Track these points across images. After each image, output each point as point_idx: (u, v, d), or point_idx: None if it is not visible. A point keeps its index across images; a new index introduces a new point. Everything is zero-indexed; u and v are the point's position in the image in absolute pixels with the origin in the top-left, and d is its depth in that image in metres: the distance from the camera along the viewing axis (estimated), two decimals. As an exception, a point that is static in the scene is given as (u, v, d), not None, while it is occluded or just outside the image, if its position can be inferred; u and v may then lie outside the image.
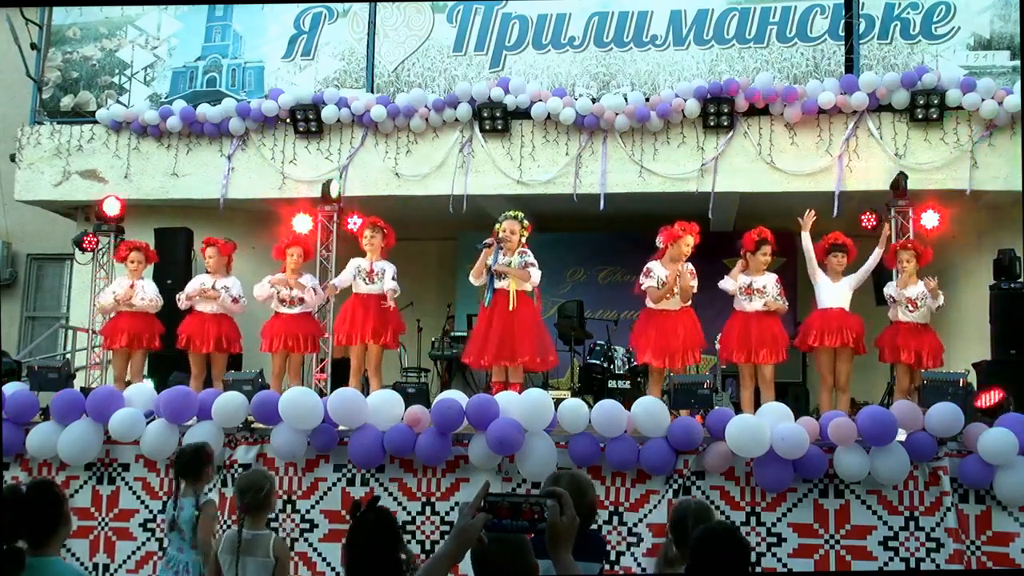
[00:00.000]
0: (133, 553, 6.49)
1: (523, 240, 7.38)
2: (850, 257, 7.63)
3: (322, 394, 7.08)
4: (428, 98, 9.54)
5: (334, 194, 9.09)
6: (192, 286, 8.13)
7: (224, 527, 5.96)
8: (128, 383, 7.74)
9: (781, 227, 10.52)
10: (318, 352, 8.55)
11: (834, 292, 7.52)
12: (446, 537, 2.22)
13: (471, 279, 7.42)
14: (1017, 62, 8.96)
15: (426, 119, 9.55)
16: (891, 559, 5.90)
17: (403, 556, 2.90)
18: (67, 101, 10.57)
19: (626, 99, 9.25)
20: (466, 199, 9.45)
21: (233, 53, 10.39)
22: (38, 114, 10.55)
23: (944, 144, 8.83)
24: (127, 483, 6.59)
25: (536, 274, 7.21)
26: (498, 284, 7.21)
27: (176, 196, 10.02)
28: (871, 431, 5.91)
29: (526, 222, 7.44)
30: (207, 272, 8.25)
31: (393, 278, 7.79)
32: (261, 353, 8.13)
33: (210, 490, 4.94)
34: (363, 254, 7.98)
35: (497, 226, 7.41)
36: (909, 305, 7.41)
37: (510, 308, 7.08)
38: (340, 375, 8.51)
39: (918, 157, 8.86)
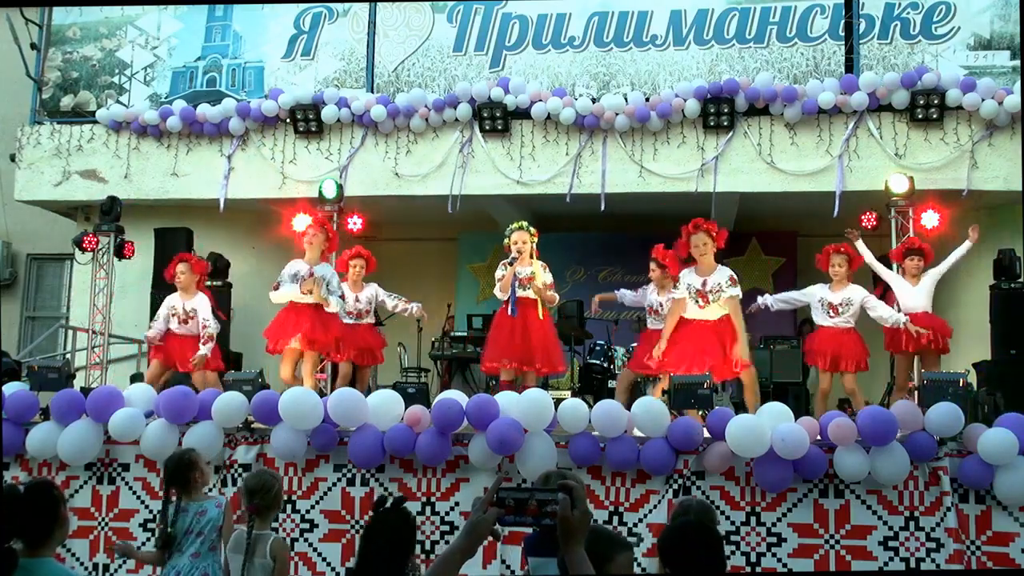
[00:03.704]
0: (133, 553, 6.48)
1: (535, 247, 7.48)
2: (926, 260, 7.63)
3: (322, 394, 7.08)
4: (428, 98, 9.54)
5: (327, 194, 9.06)
6: (159, 323, 7.85)
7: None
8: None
9: (781, 227, 10.60)
10: (381, 361, 8.51)
11: (914, 294, 7.52)
12: (457, 532, 2.22)
13: (498, 293, 7.45)
14: (1017, 62, 8.96)
15: (426, 119, 9.55)
16: (891, 559, 5.90)
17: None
18: (67, 101, 10.57)
19: (626, 99, 9.25)
20: (465, 199, 9.46)
21: (233, 53, 10.40)
22: (38, 114, 10.55)
23: (944, 144, 8.84)
24: (127, 483, 6.58)
25: (556, 296, 7.56)
26: (521, 293, 7.30)
27: (176, 196, 10.02)
28: (871, 431, 5.91)
29: (532, 229, 7.51)
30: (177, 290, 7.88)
31: (338, 292, 7.69)
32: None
33: (210, 490, 4.87)
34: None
35: (506, 241, 7.47)
36: (830, 310, 7.37)
37: (540, 317, 7.31)
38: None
39: (918, 157, 8.86)
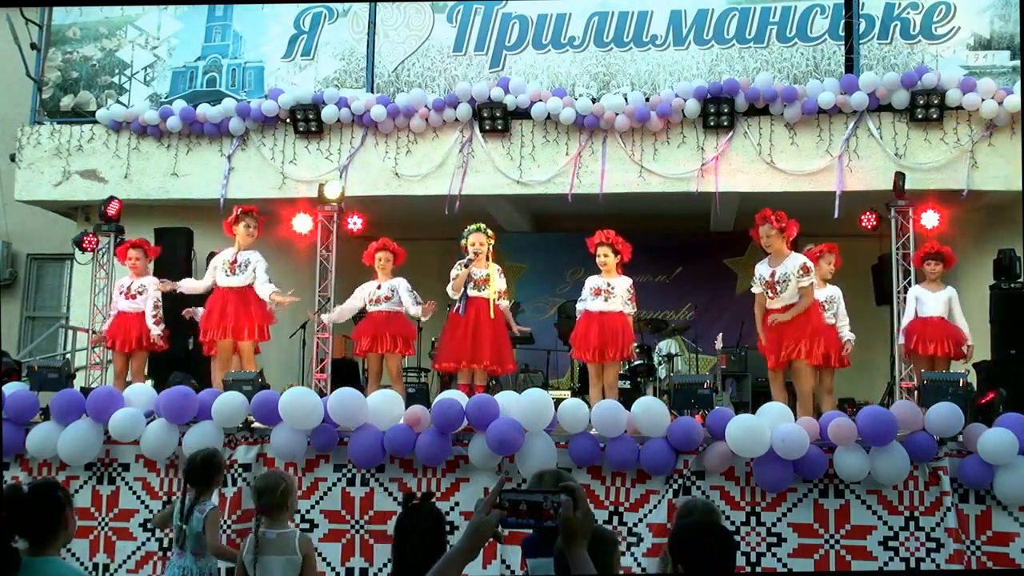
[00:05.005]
0: (133, 553, 6.48)
1: (491, 249, 7.69)
2: (947, 265, 7.60)
3: (322, 394, 7.08)
4: (428, 98, 9.55)
5: (329, 195, 9.04)
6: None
7: (225, 528, 5.96)
8: (128, 383, 7.71)
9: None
10: (412, 353, 8.30)
11: (932, 300, 7.55)
12: (459, 533, 2.23)
13: (450, 291, 7.63)
14: (1017, 62, 8.96)
15: (426, 119, 9.55)
16: (891, 559, 5.90)
17: None
18: (67, 101, 10.57)
19: (626, 99, 9.25)
20: (465, 199, 9.46)
21: (233, 53, 10.40)
22: (38, 114, 10.55)
23: (944, 144, 8.84)
24: (127, 483, 6.59)
25: (506, 303, 7.77)
26: (474, 293, 7.53)
27: (176, 196, 10.02)
28: (871, 431, 5.91)
29: (490, 232, 7.71)
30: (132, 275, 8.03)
31: (267, 277, 7.64)
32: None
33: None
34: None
35: (463, 241, 7.64)
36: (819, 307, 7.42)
37: (492, 317, 7.48)
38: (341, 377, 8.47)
39: (918, 157, 8.86)
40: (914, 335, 7.56)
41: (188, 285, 7.98)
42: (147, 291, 7.89)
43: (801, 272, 6.78)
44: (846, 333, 7.47)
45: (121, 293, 7.95)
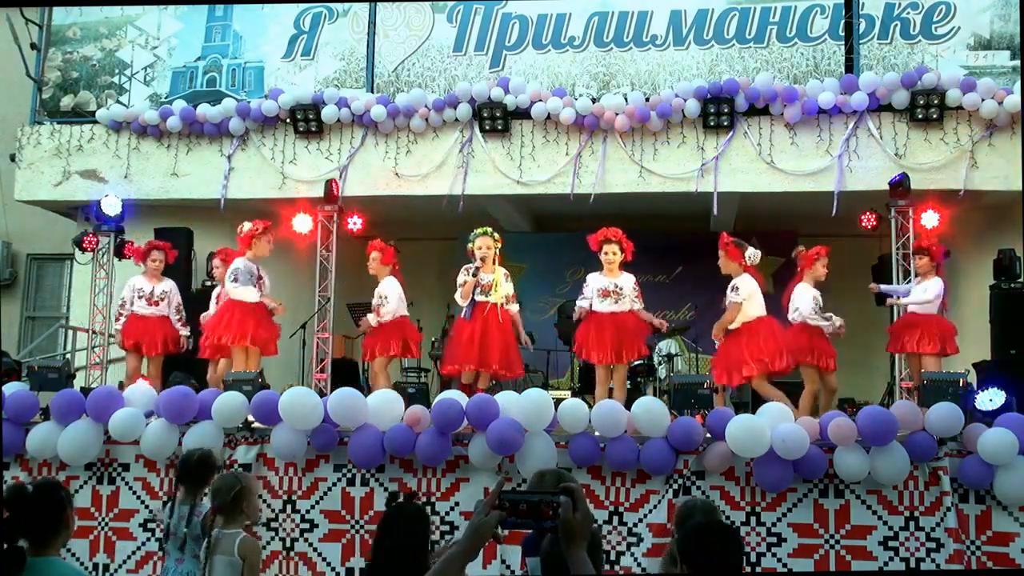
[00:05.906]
0: (133, 553, 6.49)
1: (498, 253, 7.64)
2: (933, 258, 7.65)
3: (322, 394, 7.08)
4: (428, 98, 9.55)
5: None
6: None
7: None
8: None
9: (781, 227, 10.60)
10: (417, 355, 8.29)
11: (916, 293, 7.60)
12: (460, 534, 2.23)
13: (459, 299, 7.56)
14: (1017, 62, 8.96)
15: (426, 119, 9.55)
16: (891, 559, 5.90)
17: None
18: (67, 101, 10.57)
19: (626, 99, 9.25)
20: (465, 199, 9.46)
21: (233, 53, 10.40)
22: (38, 114, 10.56)
23: (944, 144, 8.84)
24: (127, 483, 6.59)
25: (516, 308, 7.67)
26: (481, 298, 7.47)
27: (176, 196, 10.02)
28: (871, 431, 5.91)
29: (496, 235, 7.66)
30: (144, 276, 8.19)
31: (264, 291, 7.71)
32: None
33: (205, 494, 4.84)
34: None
35: (470, 245, 7.59)
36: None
37: (500, 321, 7.42)
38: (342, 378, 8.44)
39: (918, 157, 8.86)
40: (895, 333, 7.60)
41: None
42: (169, 296, 8.06)
43: (730, 290, 7.14)
44: (819, 321, 7.38)
45: (142, 297, 8.00)
